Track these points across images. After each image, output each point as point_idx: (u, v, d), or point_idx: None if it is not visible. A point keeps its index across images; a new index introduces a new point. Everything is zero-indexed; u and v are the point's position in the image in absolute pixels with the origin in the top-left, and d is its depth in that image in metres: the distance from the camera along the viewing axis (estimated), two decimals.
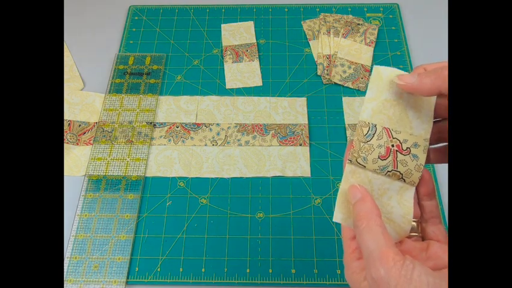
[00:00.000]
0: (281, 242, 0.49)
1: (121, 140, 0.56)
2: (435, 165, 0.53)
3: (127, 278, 0.47)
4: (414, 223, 0.29)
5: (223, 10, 0.69)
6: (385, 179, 0.28)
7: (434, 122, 0.28)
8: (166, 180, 0.53)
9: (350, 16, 0.66)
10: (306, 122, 0.56)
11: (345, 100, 0.58)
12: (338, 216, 0.29)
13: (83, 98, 0.59)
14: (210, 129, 0.56)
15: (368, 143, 0.28)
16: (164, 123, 0.57)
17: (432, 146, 0.30)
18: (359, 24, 0.65)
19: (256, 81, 0.61)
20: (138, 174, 0.53)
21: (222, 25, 0.67)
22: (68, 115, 0.57)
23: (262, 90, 0.60)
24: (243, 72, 0.61)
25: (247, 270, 0.47)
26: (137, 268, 0.47)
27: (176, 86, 0.61)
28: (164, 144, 0.55)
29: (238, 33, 0.65)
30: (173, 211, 0.51)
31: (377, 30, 0.64)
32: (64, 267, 0.47)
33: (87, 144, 0.56)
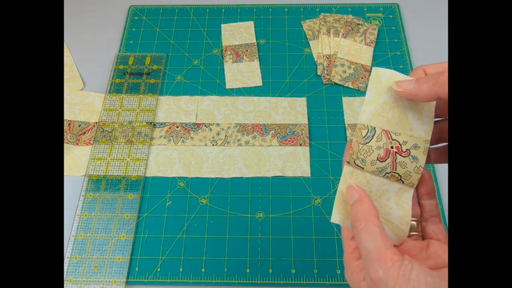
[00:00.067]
0: (281, 242, 0.49)
1: (121, 140, 0.56)
2: (435, 165, 0.53)
3: (127, 278, 0.47)
4: (414, 222, 0.29)
5: (223, 10, 0.69)
6: (384, 180, 0.28)
7: (434, 122, 0.28)
8: (166, 180, 0.53)
9: (350, 16, 0.66)
10: (306, 122, 0.56)
11: (345, 100, 0.58)
12: (336, 217, 0.29)
13: (83, 98, 0.59)
14: (210, 129, 0.56)
15: (367, 144, 0.28)
16: (164, 123, 0.57)
17: (433, 146, 0.30)
18: (359, 24, 0.65)
19: (256, 81, 0.61)
20: (138, 174, 0.53)
21: (222, 25, 0.67)
22: (68, 115, 0.57)
23: (262, 90, 0.60)
24: (243, 72, 0.61)
25: (247, 270, 0.47)
26: (137, 268, 0.47)
27: (176, 86, 0.61)
28: (164, 144, 0.55)
29: (238, 33, 0.65)
30: (173, 211, 0.51)
31: (377, 30, 0.65)
32: (64, 267, 0.47)
33: (87, 144, 0.56)
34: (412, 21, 0.67)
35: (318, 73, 0.61)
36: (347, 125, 0.56)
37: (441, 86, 0.25)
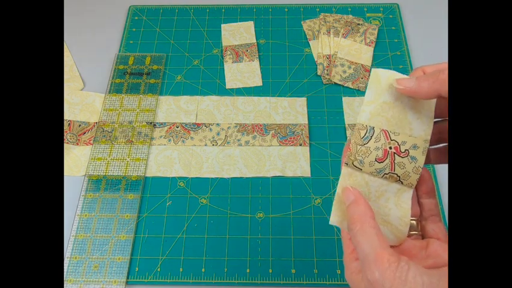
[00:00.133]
0: (281, 242, 0.49)
1: (121, 140, 0.56)
2: (435, 165, 0.53)
3: (127, 278, 0.47)
4: (413, 221, 0.29)
5: (223, 10, 0.69)
6: (382, 181, 0.28)
7: (434, 122, 0.28)
8: (166, 180, 0.53)
9: (350, 16, 0.66)
10: (306, 122, 0.56)
11: (345, 100, 0.58)
12: (334, 219, 0.29)
13: (83, 98, 0.59)
14: (210, 129, 0.56)
15: (365, 145, 0.28)
16: (164, 123, 0.57)
17: (433, 147, 0.30)
18: (359, 24, 0.65)
19: (256, 81, 0.61)
20: (138, 174, 0.53)
21: (222, 25, 0.67)
22: (68, 115, 0.57)
23: (262, 90, 0.60)
24: (243, 72, 0.61)
25: (247, 270, 0.47)
26: (137, 268, 0.47)
27: (176, 86, 0.61)
28: (164, 144, 0.55)
29: (238, 33, 0.65)
30: (173, 211, 0.51)
31: (377, 30, 0.65)
32: (64, 267, 0.47)
33: (87, 144, 0.56)
34: (412, 21, 0.67)
35: (318, 73, 0.61)
36: (347, 125, 0.56)
37: (442, 83, 0.25)
